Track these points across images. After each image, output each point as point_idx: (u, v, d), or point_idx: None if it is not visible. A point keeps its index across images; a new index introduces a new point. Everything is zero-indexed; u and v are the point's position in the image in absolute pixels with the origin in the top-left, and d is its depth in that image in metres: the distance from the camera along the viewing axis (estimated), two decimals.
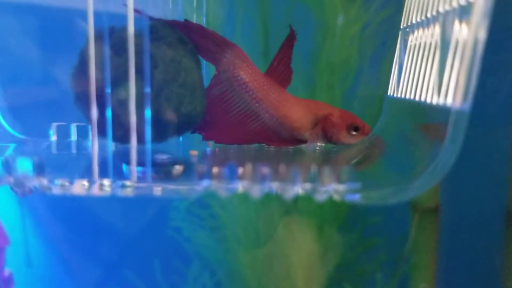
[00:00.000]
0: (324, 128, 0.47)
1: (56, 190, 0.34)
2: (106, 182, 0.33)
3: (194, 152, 0.44)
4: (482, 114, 0.61)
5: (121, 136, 0.40)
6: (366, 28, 0.62)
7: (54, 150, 0.47)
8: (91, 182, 0.32)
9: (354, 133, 0.47)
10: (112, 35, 0.41)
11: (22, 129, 0.52)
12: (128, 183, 0.32)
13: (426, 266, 0.66)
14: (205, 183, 0.32)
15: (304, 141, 0.48)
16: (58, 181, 0.32)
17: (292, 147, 0.48)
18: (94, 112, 0.33)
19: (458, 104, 0.29)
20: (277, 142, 0.47)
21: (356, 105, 0.63)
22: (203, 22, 0.55)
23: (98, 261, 0.70)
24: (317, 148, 0.48)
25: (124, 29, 0.36)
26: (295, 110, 0.47)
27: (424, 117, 0.36)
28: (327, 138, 0.47)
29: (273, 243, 0.68)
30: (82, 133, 0.51)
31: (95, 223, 0.69)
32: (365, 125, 0.46)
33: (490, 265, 0.65)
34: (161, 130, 0.43)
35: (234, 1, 0.62)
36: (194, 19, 0.54)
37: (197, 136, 0.48)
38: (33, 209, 0.69)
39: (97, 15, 0.35)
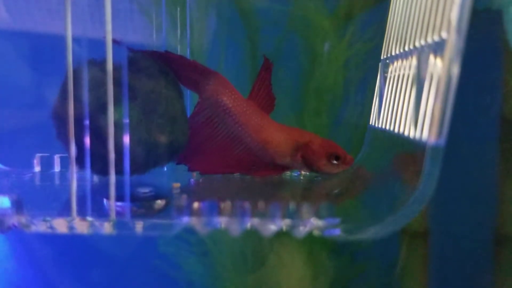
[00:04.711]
0: (304, 155, 0.47)
1: (35, 229, 0.33)
2: (84, 222, 0.32)
3: (176, 185, 0.44)
4: (473, 132, 0.61)
5: (102, 169, 0.39)
6: (354, 57, 0.62)
7: (37, 182, 0.47)
8: (70, 222, 0.32)
9: (335, 162, 0.46)
10: (92, 68, 0.41)
11: (6, 159, 0.52)
12: (106, 223, 0.32)
13: None
14: (185, 220, 0.32)
15: (286, 168, 0.48)
16: (37, 221, 0.32)
17: (276, 175, 0.48)
18: (73, 151, 0.33)
19: (433, 139, 0.29)
20: (259, 171, 0.47)
21: (343, 131, 0.63)
22: (187, 52, 0.55)
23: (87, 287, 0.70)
24: (301, 177, 0.48)
25: (104, 61, 0.36)
26: (277, 136, 0.47)
27: (403, 149, 0.36)
28: (308, 165, 0.47)
29: (263, 268, 0.67)
30: (66, 164, 0.50)
31: (84, 248, 0.68)
32: (347, 155, 0.46)
33: None
34: (142, 161, 0.43)
35: (221, 29, 0.62)
36: (178, 50, 0.55)
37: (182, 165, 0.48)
38: (21, 233, 0.68)
39: (76, 40, 0.36)
